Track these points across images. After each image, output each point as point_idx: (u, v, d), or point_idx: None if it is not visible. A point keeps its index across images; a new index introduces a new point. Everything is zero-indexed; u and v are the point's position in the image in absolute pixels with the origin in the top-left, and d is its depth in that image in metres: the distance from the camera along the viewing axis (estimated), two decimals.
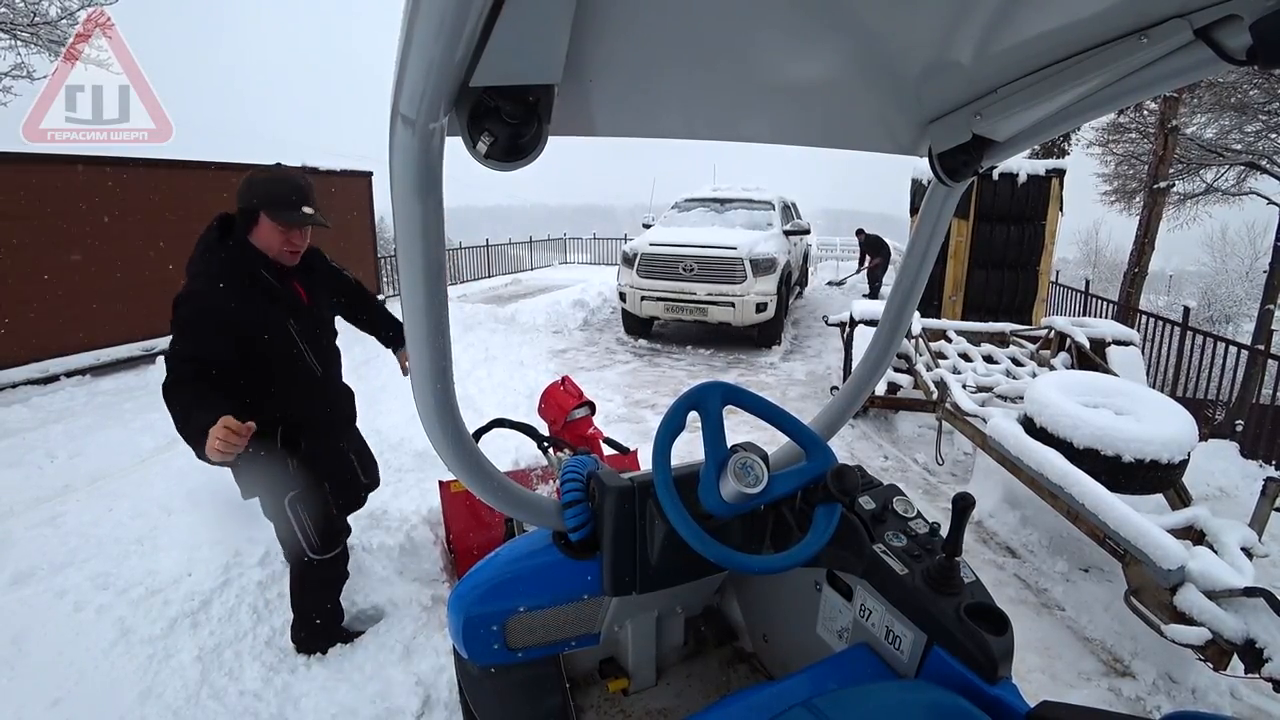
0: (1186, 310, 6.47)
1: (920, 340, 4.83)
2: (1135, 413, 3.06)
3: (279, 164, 1.89)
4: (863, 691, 0.99)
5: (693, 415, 1.09)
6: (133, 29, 7.30)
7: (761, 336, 7.85)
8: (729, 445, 1.08)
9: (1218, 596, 2.11)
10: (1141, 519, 2.40)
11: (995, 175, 7.07)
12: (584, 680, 1.68)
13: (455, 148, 0.74)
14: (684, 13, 0.70)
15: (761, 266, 7.47)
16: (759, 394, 1.15)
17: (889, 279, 12.07)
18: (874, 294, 11.80)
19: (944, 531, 1.16)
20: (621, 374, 6.63)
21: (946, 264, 7.33)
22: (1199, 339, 6.11)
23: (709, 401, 1.08)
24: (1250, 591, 2.04)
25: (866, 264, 12.25)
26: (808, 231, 9.61)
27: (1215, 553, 2.32)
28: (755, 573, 1.11)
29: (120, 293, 6.99)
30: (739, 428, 1.30)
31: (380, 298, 11.00)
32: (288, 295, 1.99)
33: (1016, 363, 4.84)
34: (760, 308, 7.45)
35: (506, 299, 11.14)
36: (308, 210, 1.89)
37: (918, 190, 7.50)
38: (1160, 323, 7.11)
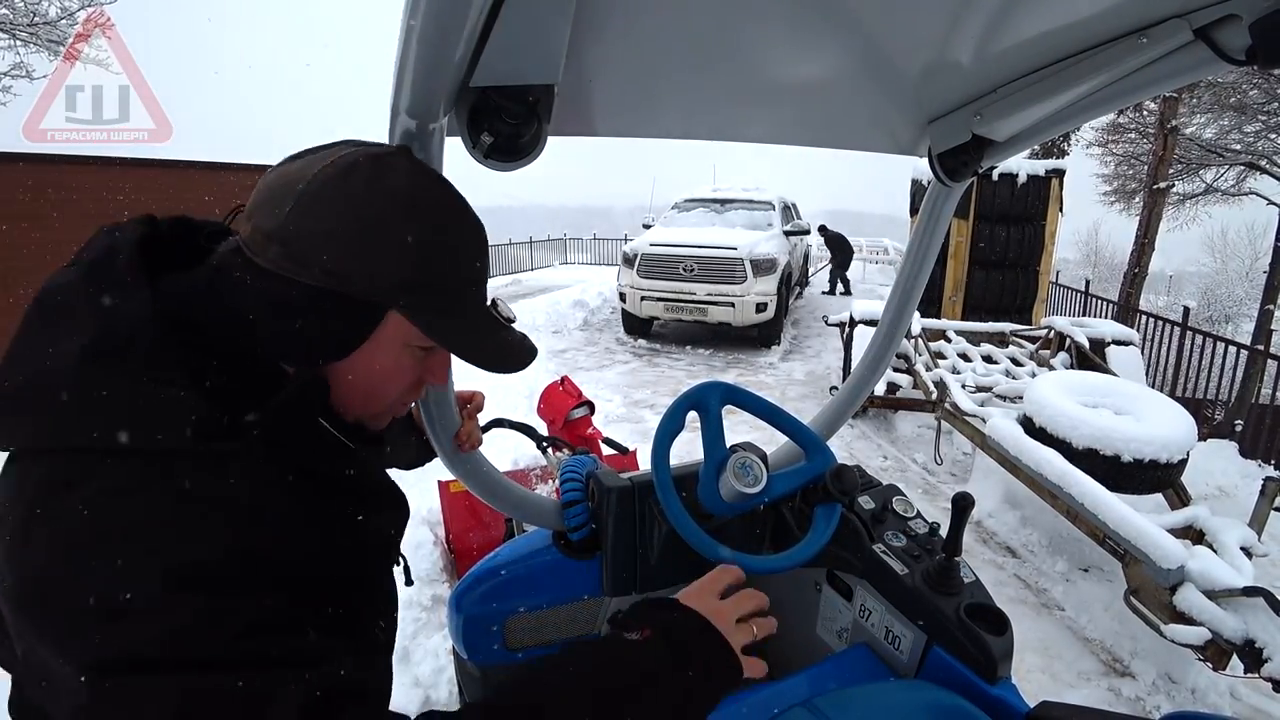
0: (1186, 310, 6.48)
1: (920, 340, 4.83)
2: (1134, 413, 3.06)
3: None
4: (862, 691, 0.99)
5: (692, 415, 1.09)
6: (133, 29, 7.30)
7: (761, 336, 7.85)
8: (728, 445, 1.08)
9: (1217, 596, 2.11)
10: (1141, 519, 2.40)
11: (995, 175, 7.07)
12: None
13: (455, 147, 0.74)
14: (684, 13, 0.70)
15: (761, 267, 7.48)
16: (758, 394, 1.15)
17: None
18: (832, 290, 12.55)
19: (944, 531, 1.16)
20: (621, 374, 6.63)
21: (946, 264, 7.33)
22: (1198, 339, 6.12)
23: (708, 401, 1.08)
24: (1250, 591, 2.04)
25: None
26: (807, 232, 9.62)
27: (1215, 552, 2.33)
28: (755, 573, 1.11)
29: None
30: (738, 427, 1.30)
31: None
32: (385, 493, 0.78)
33: (1016, 363, 4.84)
34: (760, 308, 7.45)
35: (506, 299, 11.07)
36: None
37: (918, 191, 7.50)
38: (1160, 323, 7.11)
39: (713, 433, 1.06)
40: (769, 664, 0.70)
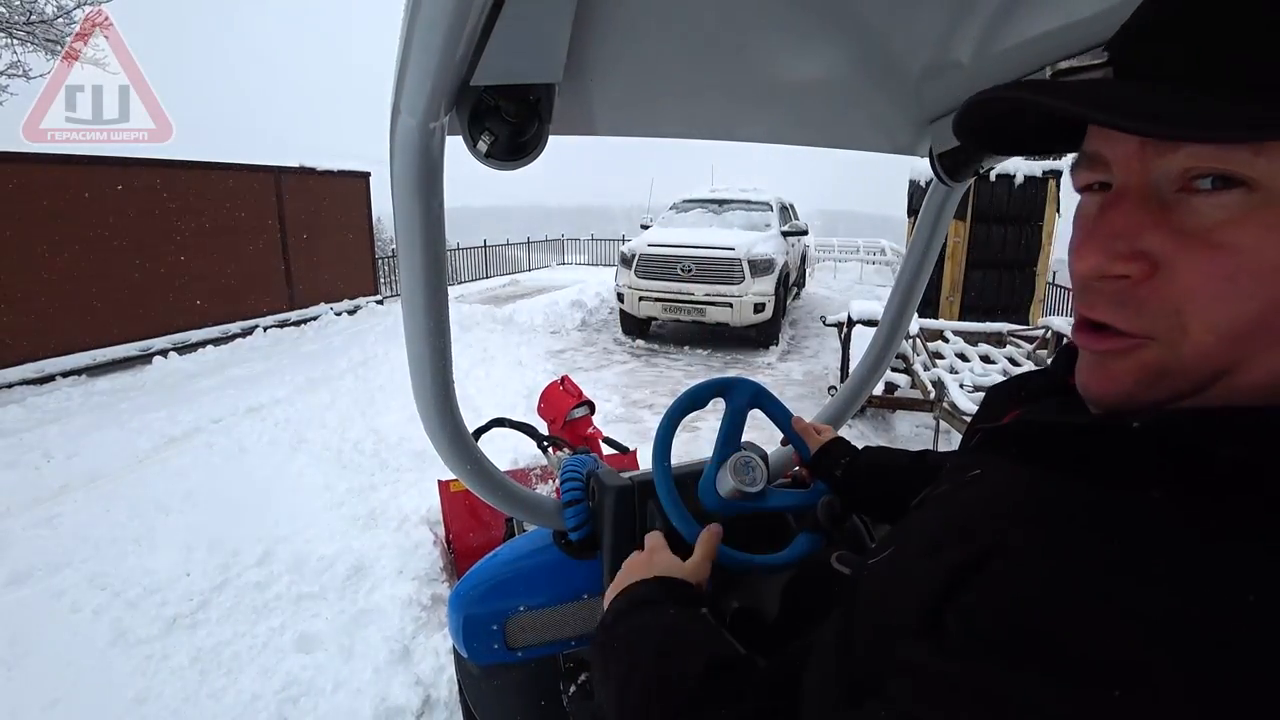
0: None
1: (918, 340, 4.84)
2: None
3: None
4: None
5: (690, 416, 1.09)
6: (133, 29, 7.29)
7: (759, 337, 7.85)
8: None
9: None
10: None
11: (993, 176, 7.08)
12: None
13: (455, 147, 0.74)
14: (685, 12, 0.70)
15: (759, 267, 7.48)
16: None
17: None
18: None
19: None
20: (619, 374, 6.63)
21: (944, 264, 7.35)
22: None
23: (739, 394, 1.08)
24: None
25: None
26: (805, 232, 9.62)
27: None
28: (754, 571, 1.11)
29: (116, 292, 6.98)
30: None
31: (379, 298, 11.01)
32: None
33: (1013, 362, 4.85)
34: (758, 308, 7.46)
35: (504, 299, 11.13)
36: None
37: (915, 191, 7.51)
38: None
39: (730, 426, 1.06)
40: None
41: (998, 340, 5.33)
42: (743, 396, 1.08)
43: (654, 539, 0.82)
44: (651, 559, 0.77)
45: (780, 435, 1.21)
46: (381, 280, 11.42)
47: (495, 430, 2.06)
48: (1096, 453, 0.38)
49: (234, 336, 8.07)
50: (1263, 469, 0.32)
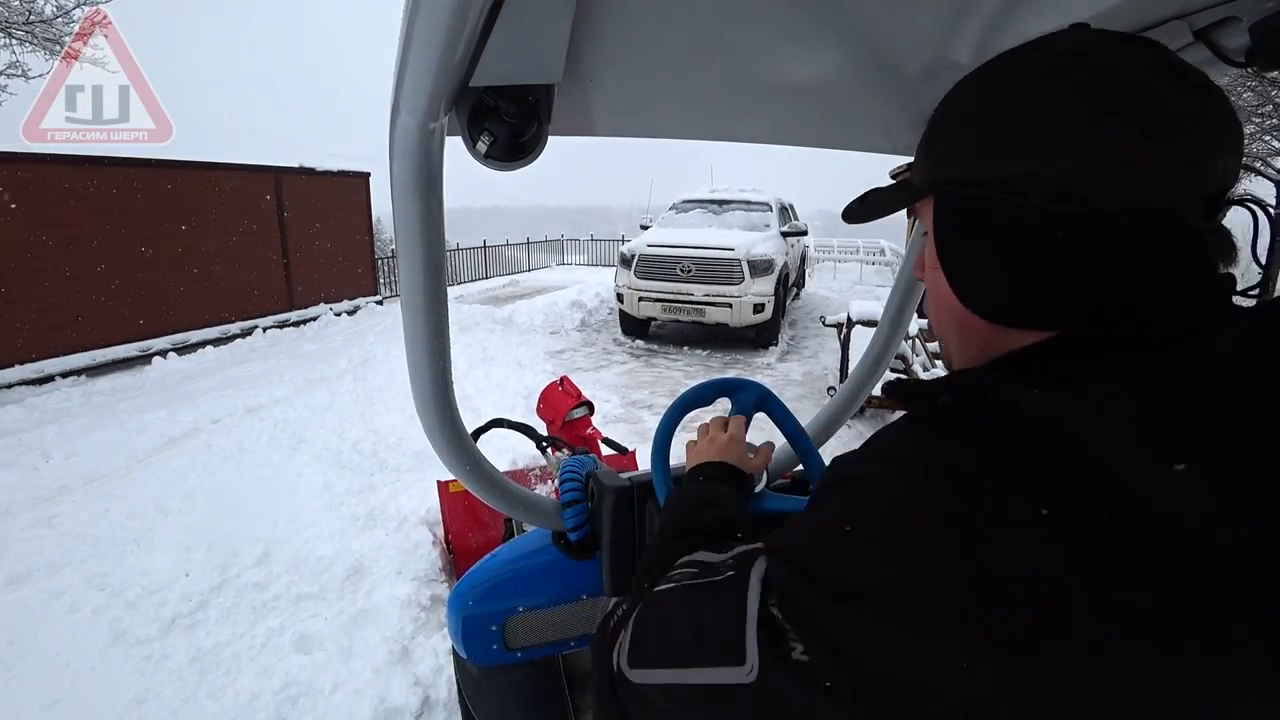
0: None
1: (917, 340, 4.84)
2: None
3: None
4: None
5: (689, 416, 1.09)
6: (133, 29, 7.28)
7: (759, 337, 7.86)
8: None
9: None
10: None
11: None
12: (584, 680, 1.67)
13: (455, 147, 0.74)
14: (684, 13, 0.70)
15: (759, 267, 7.49)
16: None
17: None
18: None
19: None
20: (619, 374, 6.63)
21: None
22: None
23: (745, 396, 1.08)
24: None
25: None
26: (805, 233, 9.63)
27: None
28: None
29: (116, 293, 6.98)
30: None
31: (379, 298, 11.01)
32: None
33: None
34: (757, 308, 7.46)
35: (504, 300, 11.13)
36: None
37: None
38: None
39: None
40: None
41: None
42: (749, 399, 1.08)
43: (735, 426, 0.96)
44: (726, 446, 0.91)
45: (777, 437, 1.21)
46: (381, 280, 11.42)
47: (494, 431, 2.06)
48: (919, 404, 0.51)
49: (233, 337, 8.07)
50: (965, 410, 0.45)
